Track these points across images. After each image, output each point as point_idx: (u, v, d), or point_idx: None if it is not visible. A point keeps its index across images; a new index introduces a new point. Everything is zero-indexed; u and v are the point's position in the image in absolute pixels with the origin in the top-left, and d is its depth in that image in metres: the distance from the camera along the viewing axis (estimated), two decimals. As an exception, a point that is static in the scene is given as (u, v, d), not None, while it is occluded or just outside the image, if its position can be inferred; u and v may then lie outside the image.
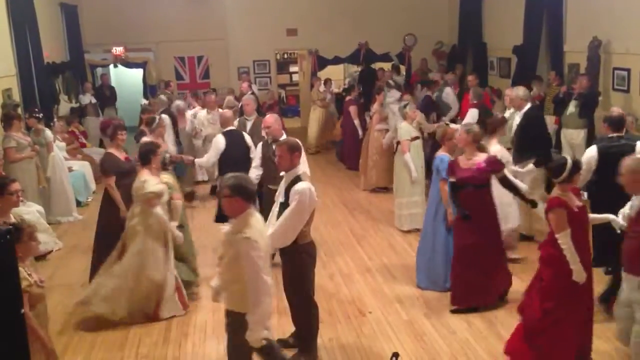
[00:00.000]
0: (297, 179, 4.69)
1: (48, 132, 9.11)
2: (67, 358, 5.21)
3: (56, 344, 5.32)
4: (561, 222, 4.37)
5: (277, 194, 4.98)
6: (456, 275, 5.68)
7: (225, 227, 4.05)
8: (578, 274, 4.35)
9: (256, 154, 6.81)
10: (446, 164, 5.94)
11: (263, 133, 6.93)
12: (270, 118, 6.67)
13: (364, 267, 6.95)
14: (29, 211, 7.73)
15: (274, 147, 6.41)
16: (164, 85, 13.38)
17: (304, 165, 6.01)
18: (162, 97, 11.26)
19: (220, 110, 9.27)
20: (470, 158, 5.60)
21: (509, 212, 6.42)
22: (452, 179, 5.68)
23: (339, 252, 7.43)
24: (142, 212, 5.70)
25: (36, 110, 9.27)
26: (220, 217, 6.70)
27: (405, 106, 8.21)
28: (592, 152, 6.01)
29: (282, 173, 4.92)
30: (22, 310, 2.44)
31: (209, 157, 7.51)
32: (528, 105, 7.57)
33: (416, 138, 8.06)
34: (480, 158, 5.58)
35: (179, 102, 11.37)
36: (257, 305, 3.81)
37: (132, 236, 5.70)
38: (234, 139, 7.40)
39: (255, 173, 6.67)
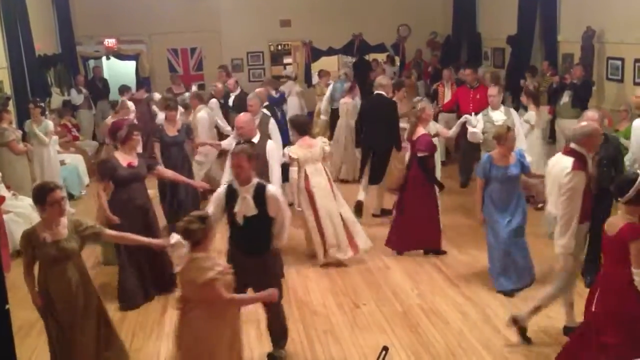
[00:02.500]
0: (261, 185, 4.53)
1: (50, 123, 9.15)
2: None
3: (49, 339, 5.34)
4: None
5: (239, 209, 4.48)
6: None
7: None
8: None
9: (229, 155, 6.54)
10: (486, 163, 5.83)
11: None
12: (243, 117, 6.51)
13: (358, 259, 6.93)
14: (22, 205, 7.71)
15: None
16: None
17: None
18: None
19: None
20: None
21: None
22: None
23: (334, 244, 7.41)
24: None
25: (37, 100, 9.27)
26: None
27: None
28: None
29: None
30: (7, 306, 2.41)
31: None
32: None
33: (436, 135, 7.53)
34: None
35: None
36: None
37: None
38: None
39: (228, 177, 6.43)
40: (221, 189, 4.64)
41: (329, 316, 5.62)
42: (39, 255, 4.24)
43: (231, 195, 4.52)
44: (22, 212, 7.58)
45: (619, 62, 9.41)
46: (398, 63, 15.50)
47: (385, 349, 3.51)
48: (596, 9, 9.78)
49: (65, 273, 4.23)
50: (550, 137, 9.82)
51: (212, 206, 4.57)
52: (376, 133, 8.03)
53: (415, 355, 4.90)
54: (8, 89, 9.91)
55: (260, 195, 4.44)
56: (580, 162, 4.56)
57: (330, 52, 15.87)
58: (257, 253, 4.56)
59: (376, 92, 8.19)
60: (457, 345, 5.03)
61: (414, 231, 6.74)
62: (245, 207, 4.45)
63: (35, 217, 7.69)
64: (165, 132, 7.76)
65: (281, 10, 15.22)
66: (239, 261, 4.42)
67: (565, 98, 9.21)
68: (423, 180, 6.72)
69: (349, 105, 10.11)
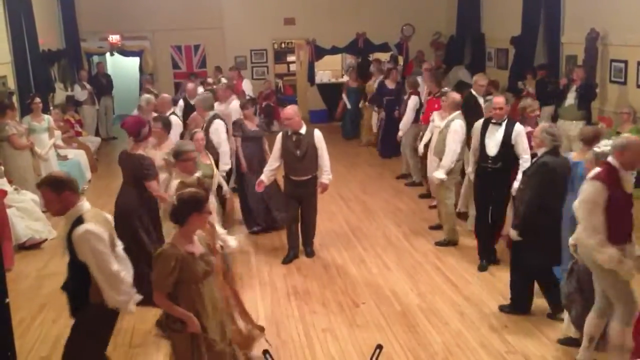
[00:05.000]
0: (78, 221, 3.61)
1: (50, 117, 9.24)
2: (62, 346, 5.18)
3: (50, 333, 5.38)
4: None
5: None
6: None
7: None
8: None
9: (275, 145, 6.75)
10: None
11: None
12: (290, 110, 6.63)
13: (359, 258, 6.96)
14: (24, 199, 7.74)
15: (294, 138, 6.47)
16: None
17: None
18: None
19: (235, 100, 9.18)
20: None
21: None
22: None
23: (334, 243, 7.43)
24: None
25: (38, 95, 9.33)
26: None
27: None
28: None
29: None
30: (7, 300, 2.42)
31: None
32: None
33: None
34: None
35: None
36: None
37: None
38: None
39: (273, 165, 6.67)
40: None
41: (328, 314, 5.63)
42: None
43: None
44: (24, 207, 7.62)
45: (622, 65, 9.40)
46: (401, 62, 15.49)
47: (380, 347, 3.48)
48: (600, 10, 9.77)
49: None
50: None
51: None
52: None
53: (413, 355, 4.91)
54: (12, 84, 9.93)
55: (70, 233, 3.60)
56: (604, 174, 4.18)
57: (334, 50, 15.87)
58: (72, 308, 3.80)
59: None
60: (455, 345, 5.05)
61: None
62: (62, 241, 3.76)
63: (37, 212, 7.76)
64: (246, 126, 7.73)
65: (285, 9, 15.24)
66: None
67: (570, 100, 9.20)
68: None
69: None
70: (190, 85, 10.13)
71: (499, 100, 6.43)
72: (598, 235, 4.12)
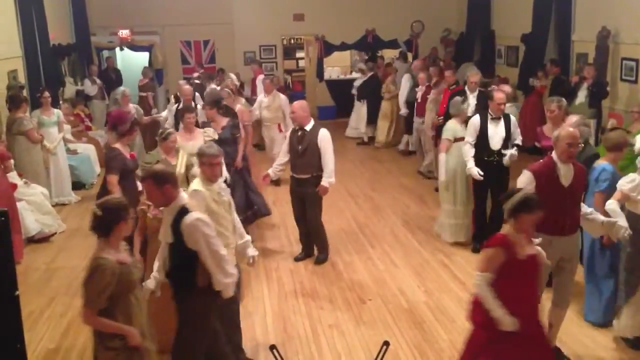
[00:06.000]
0: (183, 211, 3.78)
1: (59, 111, 9.28)
2: (70, 338, 5.26)
3: (59, 325, 5.43)
4: (490, 264, 3.75)
5: (161, 231, 4.00)
6: None
7: None
8: (504, 321, 3.69)
9: (285, 140, 6.78)
10: (609, 174, 4.99)
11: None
12: (296, 104, 6.60)
13: (366, 255, 6.96)
14: (34, 193, 7.79)
15: (299, 134, 6.48)
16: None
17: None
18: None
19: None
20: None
21: None
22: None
23: (341, 240, 7.43)
24: None
25: (47, 89, 9.39)
26: None
27: (463, 102, 7.20)
28: None
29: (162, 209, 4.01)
30: (17, 292, 2.44)
31: None
32: None
33: (462, 139, 6.87)
34: None
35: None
36: None
37: None
38: None
39: (281, 160, 6.68)
40: None
41: (335, 311, 5.65)
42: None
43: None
44: (34, 200, 7.68)
45: (633, 63, 9.34)
46: (410, 59, 15.44)
47: (386, 344, 3.49)
48: (612, 9, 9.70)
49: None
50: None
51: None
52: None
53: (419, 352, 4.92)
54: (22, 78, 9.99)
55: (177, 222, 3.76)
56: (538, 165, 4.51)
57: (343, 47, 15.84)
58: (175, 289, 3.96)
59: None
60: (462, 342, 5.03)
61: None
62: (165, 231, 3.90)
63: (47, 205, 7.81)
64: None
65: (295, 5, 15.22)
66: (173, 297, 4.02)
67: (581, 98, 9.15)
68: None
69: None
70: (182, 83, 9.90)
71: (500, 96, 6.59)
72: None
